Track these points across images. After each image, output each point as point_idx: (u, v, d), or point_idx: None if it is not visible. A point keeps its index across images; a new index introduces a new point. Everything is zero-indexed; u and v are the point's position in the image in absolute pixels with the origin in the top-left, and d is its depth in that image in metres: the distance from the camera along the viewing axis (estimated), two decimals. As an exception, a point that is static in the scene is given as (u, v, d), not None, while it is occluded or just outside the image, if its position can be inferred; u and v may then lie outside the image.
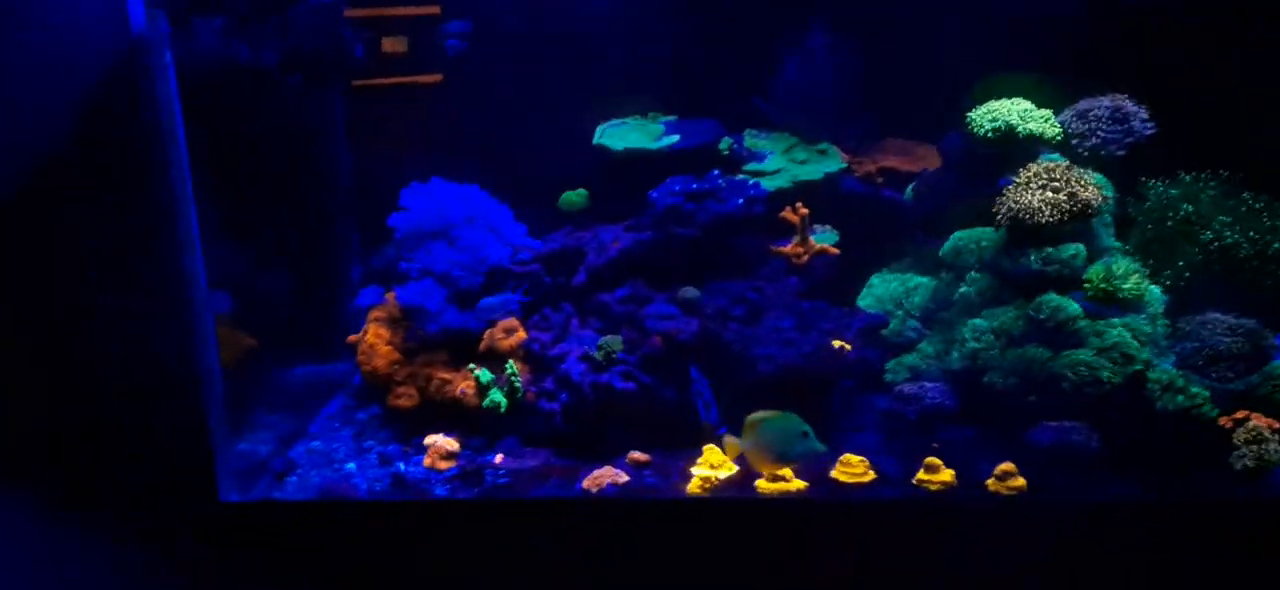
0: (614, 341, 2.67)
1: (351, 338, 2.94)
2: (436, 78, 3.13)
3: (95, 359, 2.43)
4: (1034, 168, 2.61)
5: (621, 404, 2.63)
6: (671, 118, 3.08)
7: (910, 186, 2.94)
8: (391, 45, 3.12)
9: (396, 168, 3.25)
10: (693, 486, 2.46)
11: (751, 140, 3.09)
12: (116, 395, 2.44)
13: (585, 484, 2.50)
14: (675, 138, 2.91)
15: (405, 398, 2.80)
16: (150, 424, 2.45)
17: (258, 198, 2.88)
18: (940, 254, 2.79)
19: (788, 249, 2.84)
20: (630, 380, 2.64)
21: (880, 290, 2.91)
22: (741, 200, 2.71)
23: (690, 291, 2.71)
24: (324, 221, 3.24)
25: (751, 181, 2.81)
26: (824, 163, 2.99)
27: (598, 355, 2.65)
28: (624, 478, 2.50)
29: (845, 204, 2.99)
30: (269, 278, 3.02)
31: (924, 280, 2.89)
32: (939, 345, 2.76)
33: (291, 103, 3.00)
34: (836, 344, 2.60)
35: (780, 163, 3.00)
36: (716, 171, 2.80)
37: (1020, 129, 2.70)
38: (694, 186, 2.72)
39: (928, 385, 2.70)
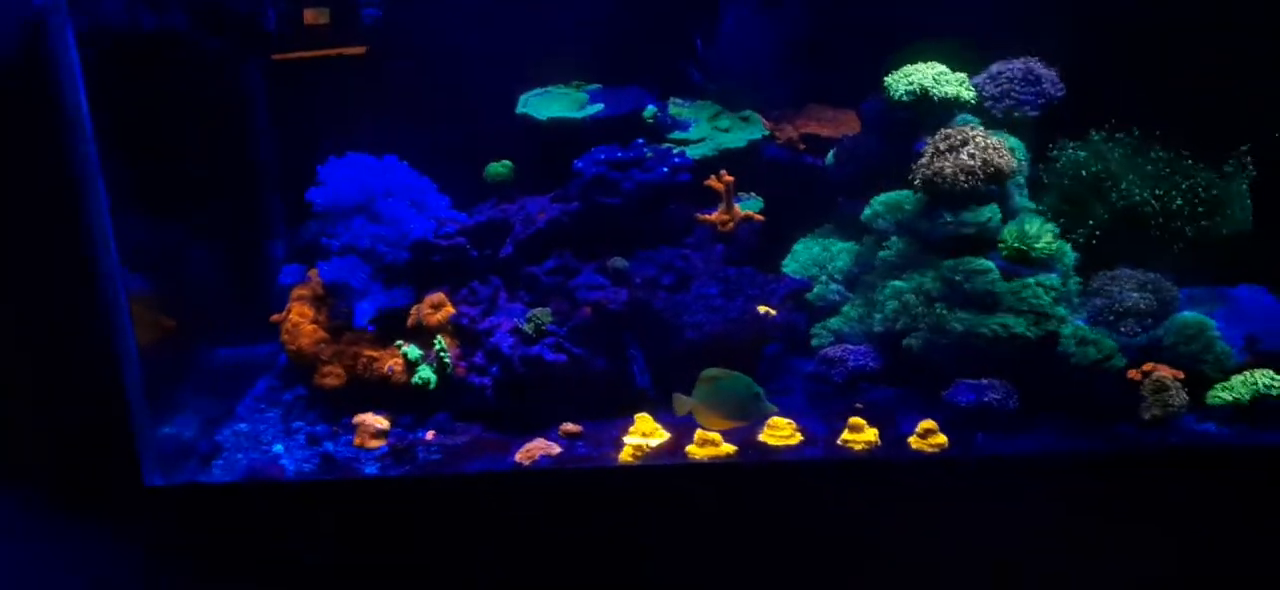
0: (543, 314, 2.67)
1: (275, 317, 2.88)
2: (360, 50, 3.06)
3: (6, 341, 2.36)
4: (946, 132, 2.67)
5: (552, 376, 2.64)
6: (596, 86, 3.07)
7: (831, 152, 2.99)
8: (313, 17, 3.05)
9: (320, 142, 3.20)
10: (624, 455, 2.49)
11: (675, 108, 3.09)
12: (31, 379, 2.37)
13: (517, 457, 2.51)
14: (599, 107, 2.90)
15: (331, 377, 2.77)
16: (68, 408, 2.39)
17: (176, 173, 2.80)
18: (861, 218, 2.84)
19: (713, 216, 2.86)
20: (561, 352, 2.64)
21: (804, 256, 2.96)
22: (666, 169, 2.73)
23: (618, 261, 2.72)
24: (246, 198, 3.17)
25: (676, 150, 2.83)
26: (747, 130, 3.02)
27: (527, 328, 2.65)
28: (556, 449, 2.51)
29: (768, 171, 3.02)
30: (190, 257, 2.95)
31: (846, 245, 2.94)
32: (861, 308, 2.82)
33: (209, 73, 2.92)
34: (762, 309, 2.64)
35: (704, 131, 3.02)
36: (641, 141, 2.80)
37: (934, 92, 2.75)
38: (619, 155, 2.72)
39: (850, 347, 2.75)
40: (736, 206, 2.86)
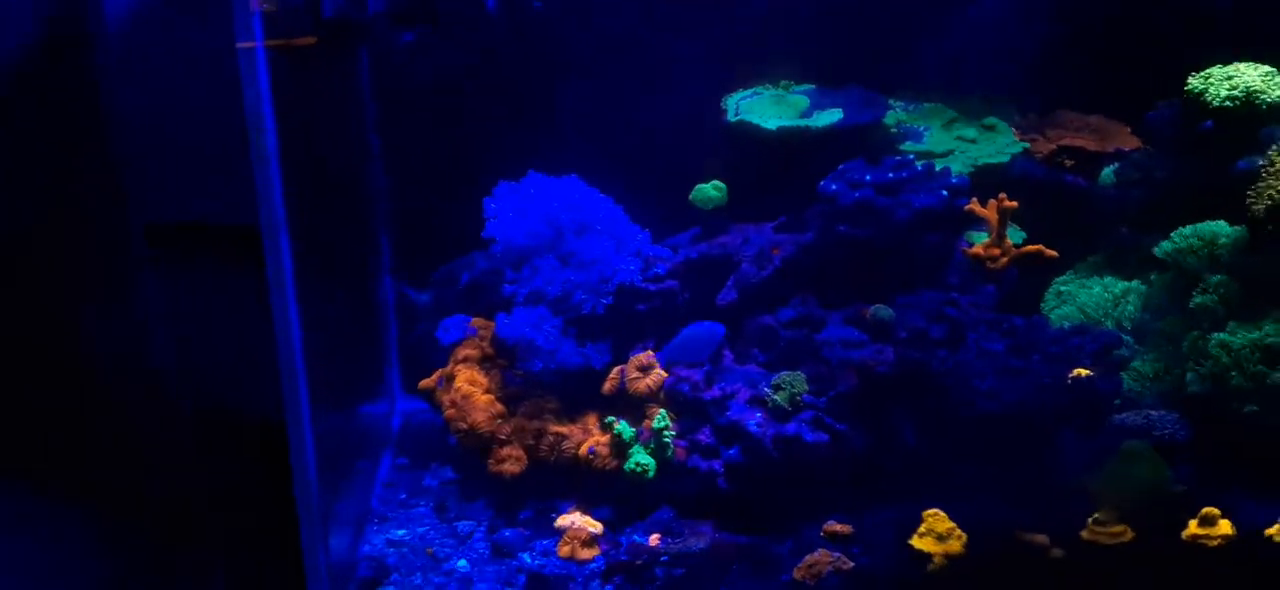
0: (796, 380, 2.08)
1: (425, 382, 2.24)
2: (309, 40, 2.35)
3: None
4: (1296, 147, 2.16)
5: (810, 460, 2.06)
6: (809, 86, 2.49)
7: (1107, 170, 2.45)
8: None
9: (430, 154, 2.56)
10: (932, 564, 1.93)
11: (903, 113, 2.53)
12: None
13: (796, 574, 1.92)
14: (837, 113, 2.31)
15: (511, 461, 2.13)
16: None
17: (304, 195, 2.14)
18: (1157, 252, 2.31)
19: (980, 249, 2.30)
20: (821, 429, 2.06)
21: (1080, 298, 2.41)
22: (945, 192, 2.15)
23: (882, 310, 2.14)
24: (355, 222, 2.50)
25: (939, 166, 2.26)
26: (999, 141, 2.46)
27: (778, 398, 2.06)
28: (848, 564, 1.93)
29: (1019, 191, 2.45)
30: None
31: (1132, 285, 2.41)
32: (1157, 364, 2.29)
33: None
34: (1078, 372, 2.10)
35: (943, 140, 2.46)
36: (909, 155, 2.23)
37: (1265, 98, 2.23)
38: (889, 176, 2.14)
39: (1153, 414, 2.23)
40: (1008, 238, 2.30)
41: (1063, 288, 2.46)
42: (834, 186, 2.16)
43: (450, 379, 2.19)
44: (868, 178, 2.14)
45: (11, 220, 1.57)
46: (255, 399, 1.96)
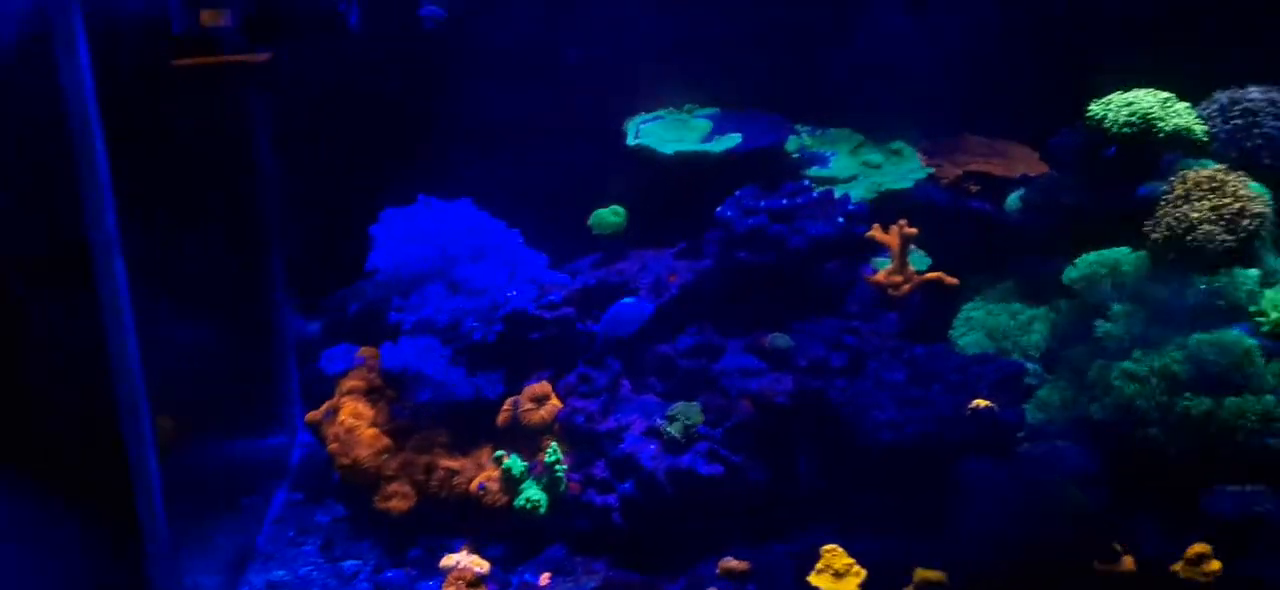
0: (692, 411, 2.02)
1: (313, 415, 2.15)
2: (262, 57, 2.28)
3: None
4: (1194, 175, 2.14)
5: (706, 493, 2.00)
6: (712, 110, 2.45)
7: (1013, 196, 2.43)
8: (210, 17, 2.23)
9: (332, 177, 2.48)
10: (824, 606, 1.87)
11: (808, 139, 2.49)
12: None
13: (687, 614, 1.86)
14: (736, 138, 2.27)
15: (398, 498, 2.05)
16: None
17: (162, 214, 2.05)
18: (1065, 279, 2.29)
19: (881, 276, 2.26)
20: (716, 462, 2.00)
21: (986, 324, 2.39)
22: (841, 219, 2.12)
23: (780, 339, 2.09)
24: (245, 247, 2.41)
25: (838, 193, 2.22)
26: (903, 166, 2.44)
27: (672, 430, 2.00)
28: (739, 603, 1.88)
29: (925, 217, 2.43)
30: (176, 333, 2.18)
31: (1038, 312, 2.38)
32: (1065, 392, 2.27)
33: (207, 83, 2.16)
34: (978, 403, 2.06)
35: (849, 166, 2.43)
36: (806, 181, 2.19)
37: (1162, 125, 2.22)
38: (784, 203, 2.09)
39: (1060, 445, 2.20)
40: (910, 265, 2.27)
41: (971, 314, 2.44)
42: (728, 213, 2.11)
43: (335, 410, 2.11)
44: (762, 204, 2.10)
45: None
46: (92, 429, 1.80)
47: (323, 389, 2.34)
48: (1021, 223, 2.40)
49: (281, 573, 2.01)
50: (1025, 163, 2.50)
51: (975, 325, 2.40)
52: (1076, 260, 2.28)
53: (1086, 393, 2.21)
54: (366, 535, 2.15)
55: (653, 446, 2.01)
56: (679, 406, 2.04)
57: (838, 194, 2.22)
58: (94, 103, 1.40)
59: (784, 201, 2.10)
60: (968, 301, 2.47)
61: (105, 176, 1.45)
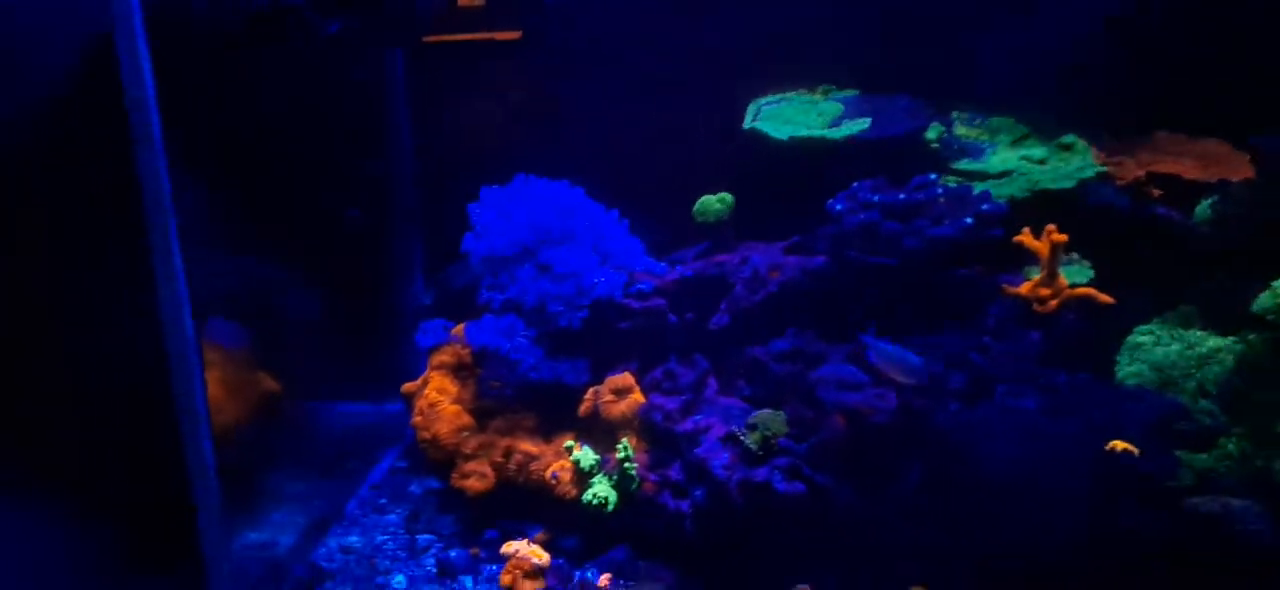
0: (774, 420, 1.84)
1: (407, 387, 2.17)
2: (514, 34, 2.34)
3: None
4: None
5: (783, 512, 1.82)
6: (851, 93, 2.23)
7: (1205, 204, 2.03)
8: None
9: (473, 155, 2.49)
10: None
11: (961, 127, 2.21)
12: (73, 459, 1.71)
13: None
14: (864, 123, 2.05)
15: (475, 478, 2.02)
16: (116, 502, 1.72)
17: (286, 192, 2.12)
18: (1256, 308, 1.89)
19: (1026, 288, 1.96)
20: (797, 480, 1.81)
21: (1154, 355, 2.02)
22: (970, 220, 1.85)
23: (888, 349, 1.86)
24: (378, 223, 2.47)
25: (976, 190, 1.95)
26: (1072, 163, 2.10)
27: (750, 440, 1.83)
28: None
29: (1096, 223, 2.09)
30: (302, 296, 2.27)
31: (1224, 342, 1.99)
32: (1248, 444, 1.87)
33: (334, 61, 2.23)
34: (1116, 446, 1.74)
35: (1007, 160, 2.13)
36: (933, 175, 1.93)
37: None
38: (901, 197, 1.86)
39: (1233, 503, 1.81)
40: (1061, 277, 1.95)
41: (1140, 339, 2.07)
42: (839, 205, 1.89)
43: (425, 384, 2.10)
44: (876, 198, 1.86)
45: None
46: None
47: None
48: (1212, 236, 2.00)
49: (356, 538, 2.04)
50: (1225, 165, 2.08)
51: (1141, 355, 2.03)
52: (1275, 284, 1.88)
53: (1272, 445, 1.82)
54: (452, 511, 2.13)
55: (727, 455, 1.85)
56: (762, 414, 1.86)
57: (977, 191, 1.94)
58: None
59: (902, 196, 1.85)
60: (1141, 324, 2.10)
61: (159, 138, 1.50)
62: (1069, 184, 2.05)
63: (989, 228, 1.88)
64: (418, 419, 2.06)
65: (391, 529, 2.08)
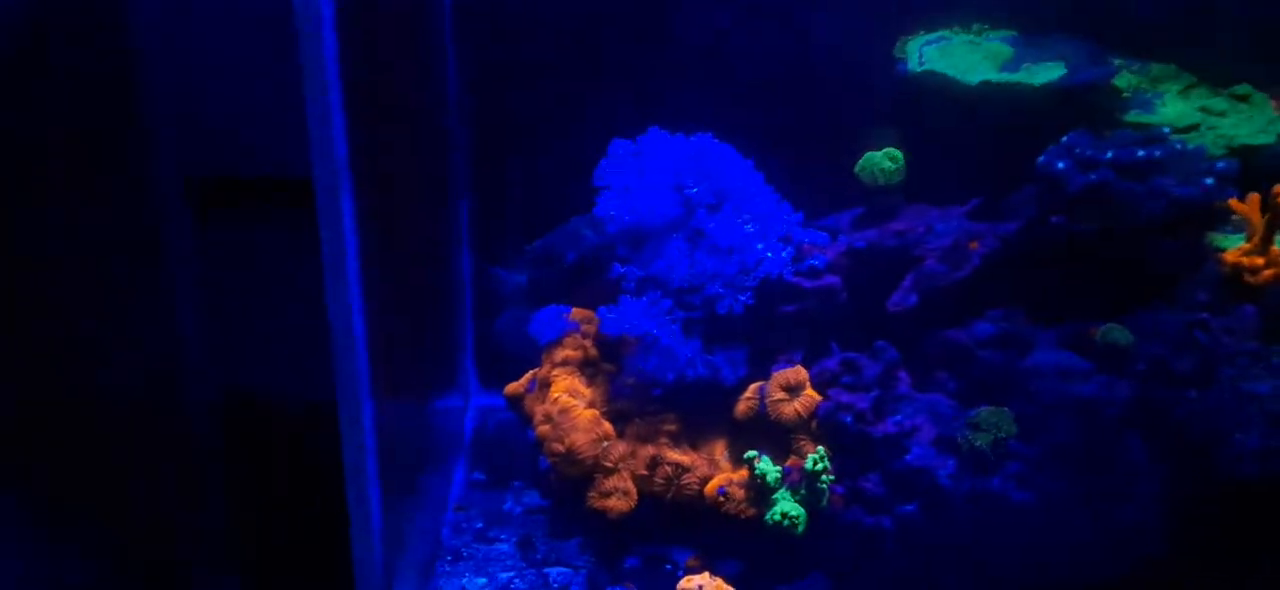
0: (1004, 419, 1.57)
1: (513, 386, 1.78)
2: None
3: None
4: None
5: (1013, 528, 1.55)
6: (1010, 33, 1.95)
7: None
8: None
9: (518, 102, 2.08)
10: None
11: (1129, 75, 1.97)
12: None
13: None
14: (1058, 68, 1.78)
15: (618, 497, 1.66)
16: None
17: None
18: None
19: (1236, 255, 1.75)
20: (1027, 488, 1.55)
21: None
22: (1210, 180, 1.61)
23: (1117, 332, 1.61)
24: (431, 192, 2.04)
25: (1191, 146, 1.71)
26: (1258, 116, 1.90)
27: (980, 441, 1.56)
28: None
29: None
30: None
31: None
32: None
33: None
34: (1390, 436, 1.55)
35: (1186, 113, 1.91)
36: (1164, 128, 1.68)
37: None
38: (1139, 154, 1.60)
39: None
40: (1275, 245, 1.75)
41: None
42: (1060, 164, 1.62)
43: (546, 385, 1.72)
44: (1109, 155, 1.60)
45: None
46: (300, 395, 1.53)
47: (514, 351, 1.97)
48: None
49: (480, 580, 1.65)
50: None
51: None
52: None
53: None
54: (570, 533, 1.77)
55: (951, 462, 1.57)
56: (985, 412, 1.58)
57: (1192, 148, 1.70)
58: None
59: (1140, 153, 1.60)
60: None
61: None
62: (1269, 138, 1.85)
63: (1225, 189, 1.65)
64: (545, 427, 1.68)
65: (510, 562, 1.71)
